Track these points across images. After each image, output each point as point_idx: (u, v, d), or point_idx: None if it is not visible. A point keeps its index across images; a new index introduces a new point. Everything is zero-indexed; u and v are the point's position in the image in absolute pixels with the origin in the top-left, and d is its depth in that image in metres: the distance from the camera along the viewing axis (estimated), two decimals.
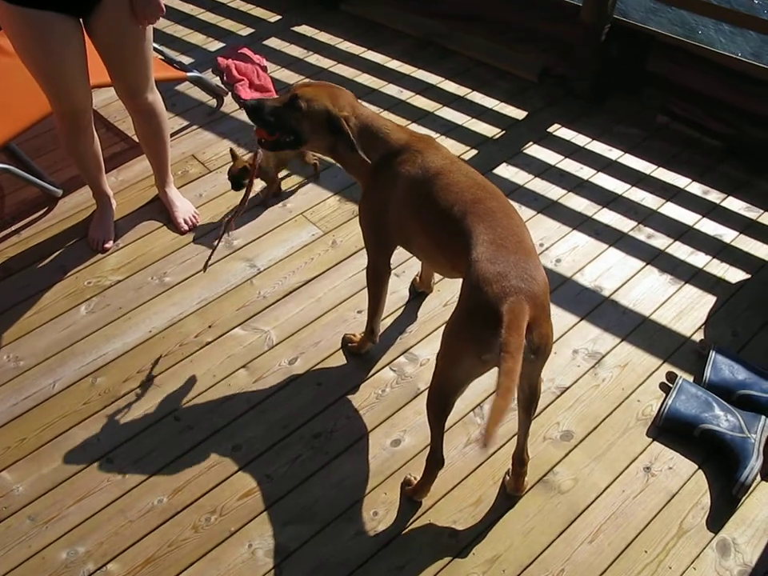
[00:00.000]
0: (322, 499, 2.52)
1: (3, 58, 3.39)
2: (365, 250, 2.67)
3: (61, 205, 3.58)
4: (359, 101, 2.52)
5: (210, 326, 3.03)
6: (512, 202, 3.45)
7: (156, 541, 2.43)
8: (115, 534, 2.45)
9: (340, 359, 2.92)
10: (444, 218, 2.25)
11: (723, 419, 2.61)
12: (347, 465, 2.61)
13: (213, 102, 4.18)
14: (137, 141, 3.62)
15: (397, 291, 3.13)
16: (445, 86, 4.30)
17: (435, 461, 2.40)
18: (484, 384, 2.77)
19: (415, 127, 3.95)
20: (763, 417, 2.63)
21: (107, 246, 3.35)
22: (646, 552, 2.39)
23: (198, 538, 2.44)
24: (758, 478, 2.55)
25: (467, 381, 2.18)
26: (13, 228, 3.47)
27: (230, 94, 4.22)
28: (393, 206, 2.42)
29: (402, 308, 3.09)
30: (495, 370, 1.93)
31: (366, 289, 2.76)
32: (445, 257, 2.35)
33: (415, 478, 2.51)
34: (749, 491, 2.52)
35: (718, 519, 2.47)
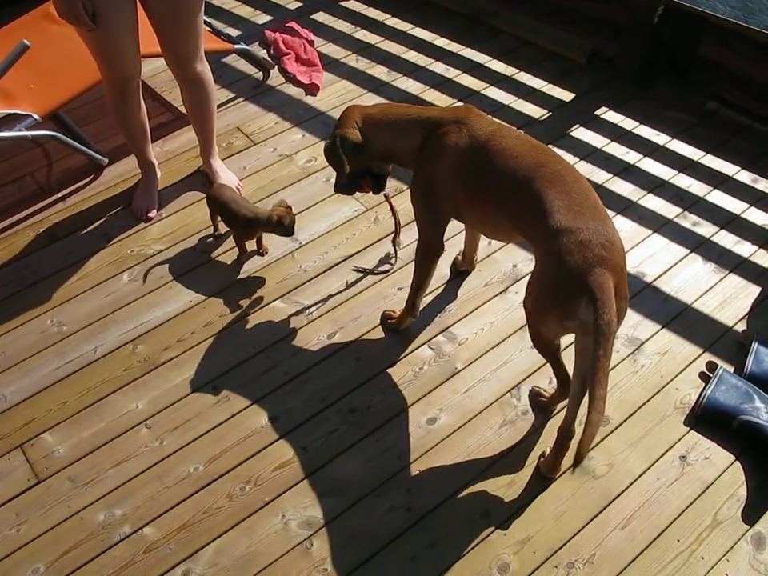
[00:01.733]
0: (356, 473, 2.54)
1: (54, 26, 3.42)
2: (416, 227, 2.67)
3: (106, 173, 3.62)
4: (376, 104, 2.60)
5: (250, 298, 3.05)
6: None
7: (191, 507, 2.47)
8: (151, 499, 2.49)
9: (379, 335, 2.93)
10: (506, 184, 2.26)
11: (764, 411, 2.58)
12: (382, 440, 2.62)
13: (259, 75, 4.19)
14: (183, 111, 3.65)
15: (438, 269, 3.11)
16: (492, 65, 4.26)
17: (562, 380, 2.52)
18: (522, 365, 2.78)
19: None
20: None
21: (151, 215, 3.38)
22: (678, 541, 2.37)
23: (233, 506, 2.47)
24: None
25: (555, 338, 2.29)
26: (59, 195, 3.52)
27: (276, 67, 4.22)
28: (443, 178, 2.43)
29: (443, 286, 3.08)
30: None
31: (414, 264, 2.75)
32: (511, 223, 2.35)
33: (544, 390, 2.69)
34: None
35: (753, 512, 2.44)
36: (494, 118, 2.44)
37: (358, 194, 3.42)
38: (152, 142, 3.43)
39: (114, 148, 3.69)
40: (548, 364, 2.71)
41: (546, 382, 2.75)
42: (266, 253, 3.21)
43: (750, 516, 2.43)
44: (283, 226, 2.94)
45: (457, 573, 2.31)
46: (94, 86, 3.30)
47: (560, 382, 2.54)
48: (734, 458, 2.57)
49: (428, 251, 2.68)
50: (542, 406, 2.68)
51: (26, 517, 2.45)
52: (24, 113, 3.22)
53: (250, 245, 3.19)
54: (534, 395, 2.70)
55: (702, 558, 2.33)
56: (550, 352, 2.42)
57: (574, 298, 2.01)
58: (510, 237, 2.55)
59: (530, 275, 2.32)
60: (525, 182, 2.21)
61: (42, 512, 2.46)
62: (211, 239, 3.27)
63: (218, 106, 3.77)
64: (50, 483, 2.53)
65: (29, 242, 3.30)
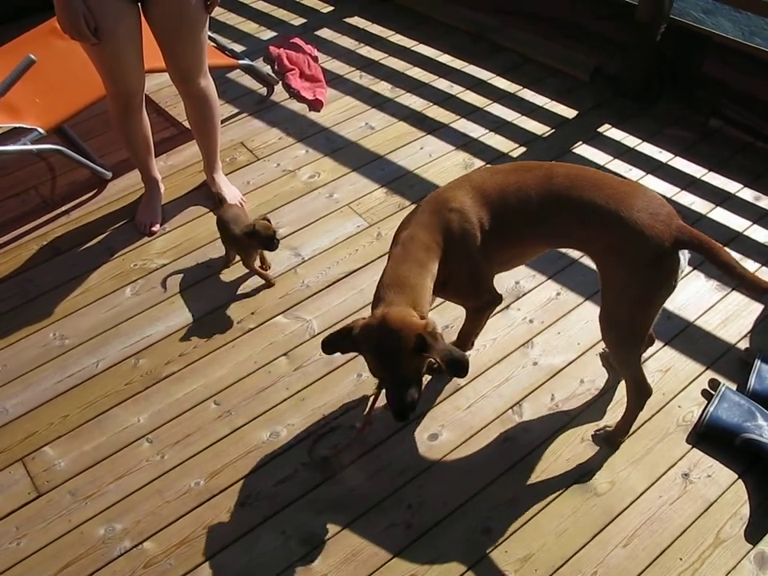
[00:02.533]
0: (357, 489, 2.53)
1: (60, 41, 3.43)
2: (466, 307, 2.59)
3: (110, 187, 3.63)
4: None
5: (252, 313, 3.05)
6: None
7: (192, 522, 2.46)
8: (152, 514, 2.48)
9: None
10: (534, 215, 2.27)
11: (766, 429, 2.57)
12: (384, 456, 2.61)
13: (263, 91, 4.21)
14: (187, 126, 3.67)
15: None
16: (495, 81, 4.28)
17: (646, 391, 2.50)
18: (524, 382, 2.77)
19: (464, 122, 3.96)
20: None
21: (154, 229, 3.39)
22: (681, 560, 2.36)
23: (233, 522, 2.46)
24: None
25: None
26: (63, 208, 3.53)
27: (280, 83, 4.24)
28: (475, 255, 2.33)
29: (446, 302, 3.07)
30: None
31: (472, 320, 2.63)
32: (549, 243, 2.44)
33: (608, 428, 2.65)
34: None
35: (756, 531, 2.42)
36: (454, 182, 2.40)
37: (362, 209, 3.45)
38: (156, 157, 3.45)
39: (118, 162, 3.70)
40: (551, 380, 2.73)
41: (548, 399, 2.74)
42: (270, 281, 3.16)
43: (753, 535, 2.41)
44: (259, 234, 2.90)
45: None
46: (98, 101, 3.31)
47: (641, 389, 2.50)
48: (736, 476, 2.56)
49: (488, 308, 2.56)
50: (610, 440, 2.64)
51: (26, 530, 2.44)
52: (29, 126, 3.23)
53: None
54: (602, 437, 2.66)
55: None
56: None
57: (677, 260, 2.16)
58: (534, 256, 2.59)
59: (607, 283, 2.29)
60: (551, 203, 2.24)
61: (42, 526, 2.45)
62: (218, 257, 3.28)
63: (222, 121, 3.79)
64: (51, 497, 2.53)
65: (32, 255, 3.31)
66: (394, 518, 2.46)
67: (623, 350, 2.41)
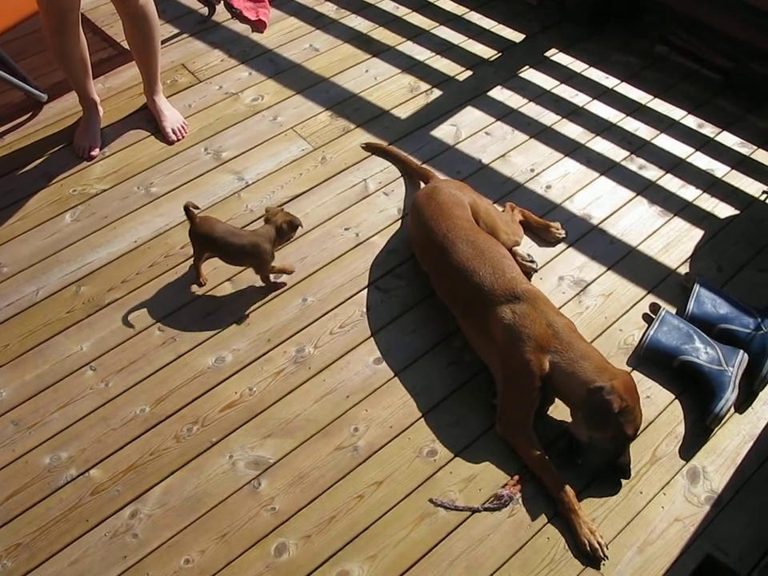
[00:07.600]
0: (303, 414, 2.55)
1: None
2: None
3: (46, 110, 3.51)
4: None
5: None
6: (505, 126, 3.44)
7: (138, 449, 2.46)
8: (98, 441, 2.47)
9: (326, 275, 2.92)
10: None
11: (702, 352, 2.64)
12: (329, 381, 2.63)
13: (204, 11, 4.07)
14: (126, 47, 3.55)
15: (385, 210, 3.12)
16: (442, 3, 4.20)
17: None
18: None
19: (410, 45, 3.90)
20: (741, 351, 2.65)
21: (93, 153, 3.30)
22: None
23: (180, 447, 2.46)
24: (732, 410, 2.59)
25: None
26: None
27: (222, 2, 4.11)
28: None
29: (391, 226, 3.08)
30: None
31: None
32: None
33: None
34: (722, 422, 2.56)
35: (690, 448, 2.51)
36: None
37: (306, 133, 3.40)
38: (94, 79, 3.32)
39: (55, 84, 3.57)
40: None
41: None
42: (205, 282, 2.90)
43: (687, 452, 2.50)
44: (295, 226, 2.79)
45: (403, 510, 2.35)
46: (30, 17, 3.18)
47: None
48: (673, 396, 2.64)
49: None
50: None
51: None
52: None
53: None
54: None
55: (641, 493, 2.40)
56: None
57: None
58: None
59: None
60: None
61: None
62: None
63: (162, 42, 3.65)
64: None
65: None
66: (340, 441, 2.49)
67: None
